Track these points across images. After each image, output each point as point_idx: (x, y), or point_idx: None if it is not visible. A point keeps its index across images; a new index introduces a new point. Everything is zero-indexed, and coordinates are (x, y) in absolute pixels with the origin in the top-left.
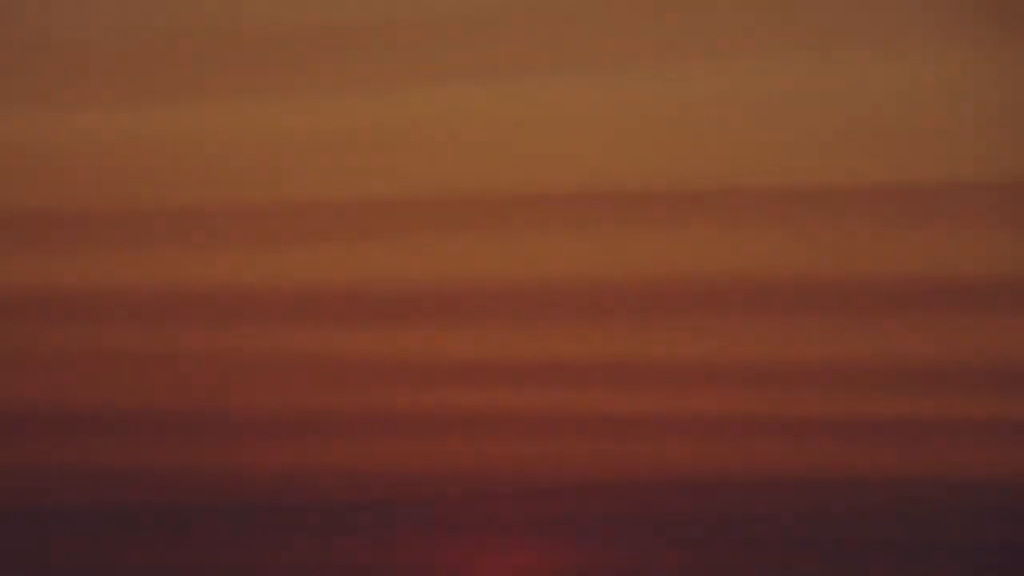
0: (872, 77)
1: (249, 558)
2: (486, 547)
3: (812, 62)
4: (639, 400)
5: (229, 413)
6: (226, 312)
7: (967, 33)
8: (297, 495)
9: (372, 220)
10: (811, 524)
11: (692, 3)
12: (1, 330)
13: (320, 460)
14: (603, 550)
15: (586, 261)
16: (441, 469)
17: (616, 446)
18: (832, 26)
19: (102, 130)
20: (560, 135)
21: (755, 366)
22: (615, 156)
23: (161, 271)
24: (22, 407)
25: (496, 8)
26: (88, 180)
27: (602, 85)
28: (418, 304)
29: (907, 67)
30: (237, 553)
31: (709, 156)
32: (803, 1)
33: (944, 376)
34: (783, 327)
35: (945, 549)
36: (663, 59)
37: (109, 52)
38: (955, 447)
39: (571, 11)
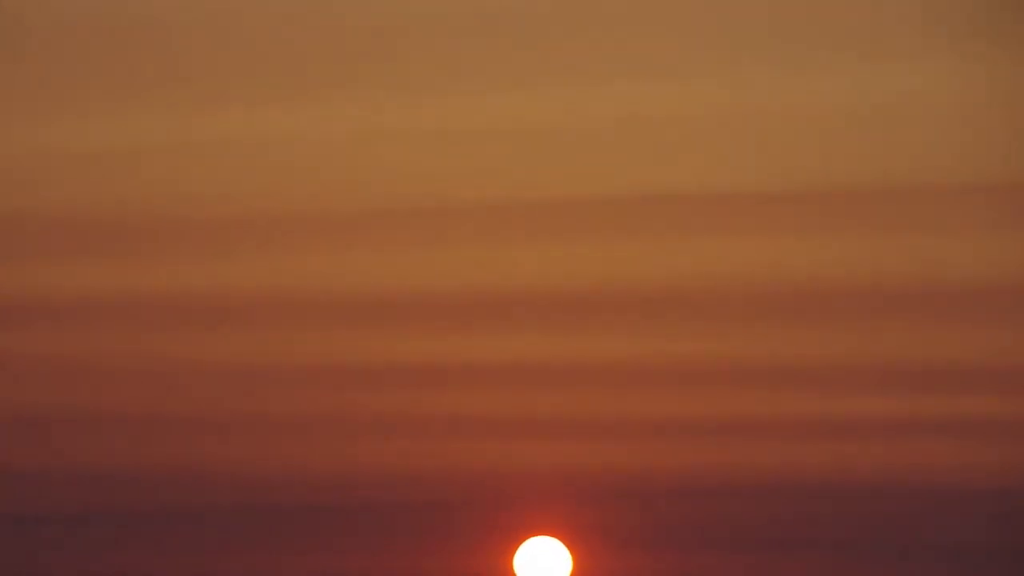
0: (873, 82)
1: (274, 561)
2: (501, 552)
3: (813, 69)
4: (658, 403)
5: (254, 416)
6: (242, 317)
7: (970, 37)
8: (346, 497)
9: (396, 227)
10: (814, 526)
11: (696, 12)
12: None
13: (362, 462)
14: (611, 554)
15: (608, 267)
16: (455, 472)
17: (640, 450)
18: (834, 32)
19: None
20: (580, 143)
21: (763, 369)
22: (627, 164)
23: (190, 276)
24: (24, 409)
25: (516, 15)
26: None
27: (609, 94)
28: (448, 309)
29: (907, 70)
30: (263, 555)
31: (711, 162)
32: (804, 8)
33: (946, 378)
34: (789, 330)
35: (946, 551)
36: (669, 64)
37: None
38: (964, 449)
39: (579, 19)
